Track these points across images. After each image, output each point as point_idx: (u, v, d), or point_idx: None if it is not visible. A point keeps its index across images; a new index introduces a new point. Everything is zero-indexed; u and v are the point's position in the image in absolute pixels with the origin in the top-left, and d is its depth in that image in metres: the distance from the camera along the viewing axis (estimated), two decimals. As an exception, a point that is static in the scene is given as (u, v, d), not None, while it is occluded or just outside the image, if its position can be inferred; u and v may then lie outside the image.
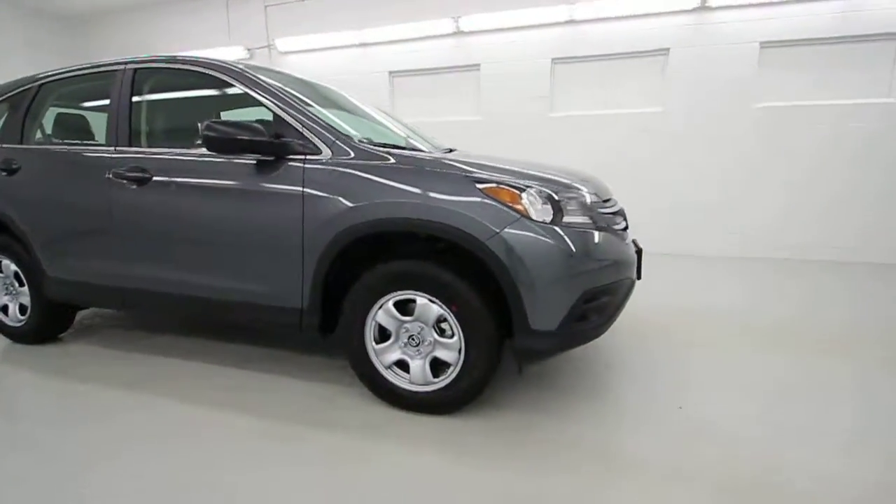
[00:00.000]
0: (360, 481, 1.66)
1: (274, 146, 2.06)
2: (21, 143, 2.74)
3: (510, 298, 1.81)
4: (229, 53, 6.53)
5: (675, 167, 5.26)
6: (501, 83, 5.62)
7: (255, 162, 2.13)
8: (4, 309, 2.94)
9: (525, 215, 1.81)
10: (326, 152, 2.05)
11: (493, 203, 1.81)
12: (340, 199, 1.96)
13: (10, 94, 2.86)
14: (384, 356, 2.07)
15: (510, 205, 1.82)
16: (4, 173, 2.70)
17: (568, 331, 1.85)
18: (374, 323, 2.05)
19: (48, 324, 2.88)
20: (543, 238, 1.80)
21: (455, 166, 1.93)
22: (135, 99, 2.47)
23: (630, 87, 5.29)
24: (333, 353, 2.71)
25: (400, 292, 1.98)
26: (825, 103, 4.76)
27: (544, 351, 1.89)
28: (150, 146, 2.44)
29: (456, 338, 1.94)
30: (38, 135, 2.78)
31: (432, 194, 1.85)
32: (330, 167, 2.01)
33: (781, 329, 3.09)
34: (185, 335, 3.03)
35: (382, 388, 2.10)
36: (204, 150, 2.24)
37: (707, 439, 1.87)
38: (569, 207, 1.90)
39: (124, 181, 2.35)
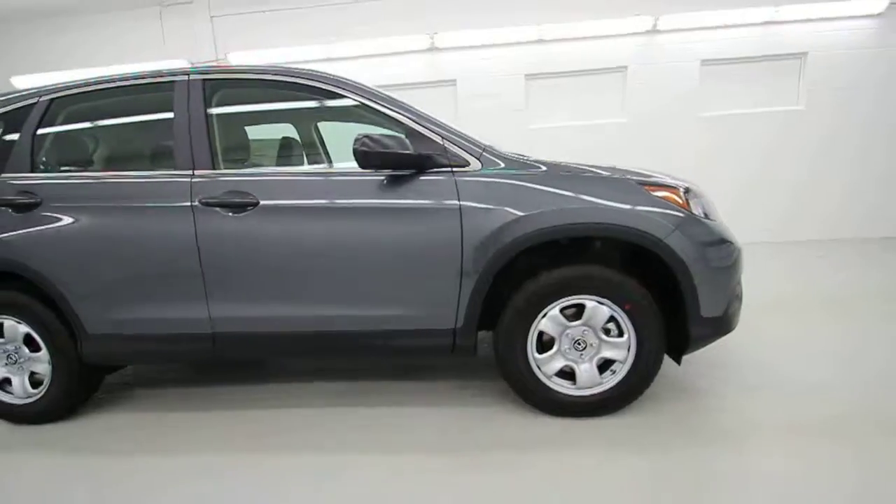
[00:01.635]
0: (602, 496, 1.64)
1: (423, 160, 1.94)
2: (32, 170, 2.20)
3: (686, 290, 1.91)
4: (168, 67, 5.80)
5: (637, 171, 5.85)
6: (477, 98, 5.79)
7: (382, 178, 1.99)
8: (1, 384, 2.31)
9: (689, 212, 1.95)
10: (475, 164, 1.99)
11: (664, 203, 1.92)
12: (508, 209, 1.91)
13: (3, 111, 2.28)
14: (547, 366, 2.04)
15: (676, 203, 1.94)
16: (11, 210, 2.14)
17: (728, 316, 2.01)
18: (535, 333, 2.02)
19: (75, 395, 2.31)
20: (708, 231, 1.95)
21: (612, 172, 2.01)
22: (211, 114, 2.13)
23: (596, 100, 5.80)
24: (444, 375, 2.57)
25: (567, 298, 1.98)
26: (751, 111, 5.70)
27: (711, 337, 2.02)
28: (242, 167, 2.13)
29: (626, 336, 1.99)
30: (61, 161, 2.26)
31: (608, 199, 1.90)
32: (489, 178, 1.96)
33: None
34: (238, 383, 2.63)
35: (547, 399, 2.06)
36: (318, 168, 2.05)
37: (833, 398, 2.13)
38: (704, 204, 2.08)
39: (217, 208, 2.02)
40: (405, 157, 1.90)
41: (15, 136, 2.25)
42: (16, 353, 2.27)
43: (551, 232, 1.90)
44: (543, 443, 1.93)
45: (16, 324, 2.23)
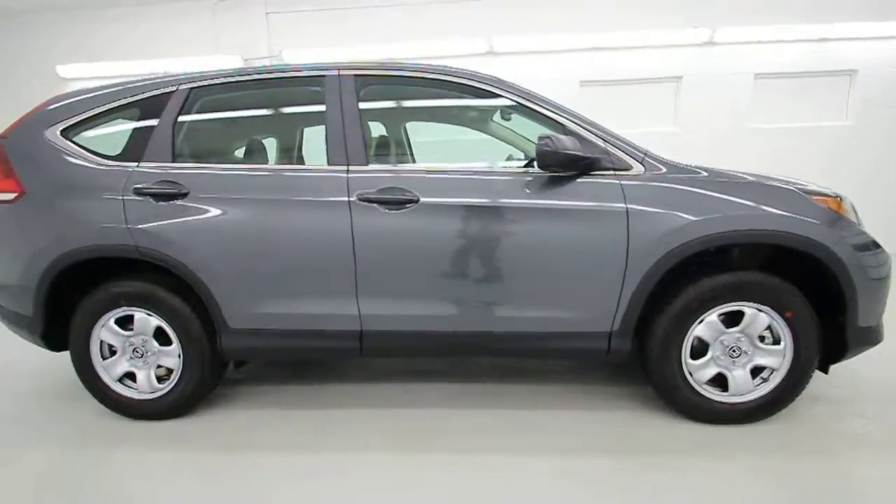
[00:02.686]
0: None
1: (594, 162, 1.95)
2: (174, 160, 2.15)
3: (848, 299, 1.92)
4: (219, 63, 5.75)
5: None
6: (531, 103, 5.80)
7: (544, 178, 1.99)
8: (122, 379, 2.24)
9: (848, 220, 1.96)
10: (638, 168, 2.00)
11: (829, 211, 1.93)
12: (678, 214, 1.91)
13: (138, 98, 2.22)
14: (700, 372, 2.04)
15: (838, 212, 1.95)
16: (152, 199, 2.09)
17: (880, 326, 2.03)
18: (691, 339, 2.01)
19: (203, 390, 2.26)
20: (867, 240, 1.96)
21: (771, 180, 2.02)
22: (363, 110, 2.11)
23: (649, 109, 5.85)
24: (563, 379, 2.56)
25: (727, 304, 1.98)
26: (800, 125, 5.78)
27: (864, 346, 2.02)
28: (395, 163, 2.11)
29: (783, 345, 1.99)
30: (202, 151, 2.21)
31: (779, 207, 1.91)
32: (657, 183, 1.96)
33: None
34: (359, 382, 2.60)
35: (696, 406, 2.05)
36: (479, 166, 2.07)
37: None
38: (855, 212, 2.10)
39: (375, 204, 1.99)
40: (581, 159, 1.90)
41: (150, 124, 2.20)
42: (143, 346, 2.22)
43: (725, 237, 1.90)
44: (692, 447, 1.94)
45: (147, 316, 2.17)
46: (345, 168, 2.05)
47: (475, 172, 2.07)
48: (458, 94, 2.23)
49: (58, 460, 2.02)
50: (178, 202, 2.07)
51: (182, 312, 2.14)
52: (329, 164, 2.07)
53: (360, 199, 2.00)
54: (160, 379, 2.25)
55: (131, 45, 6.00)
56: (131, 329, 2.20)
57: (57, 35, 6.06)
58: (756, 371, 2.05)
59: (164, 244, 2.06)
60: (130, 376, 2.25)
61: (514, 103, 2.09)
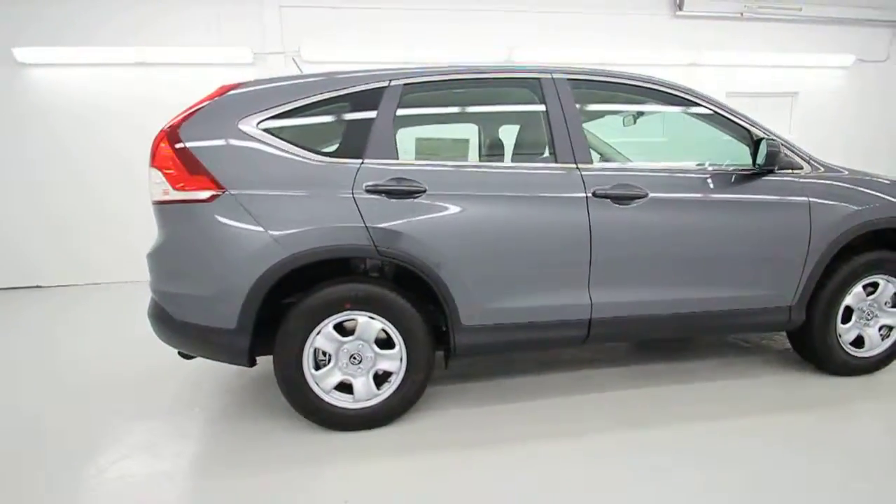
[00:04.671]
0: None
1: (784, 162, 2.30)
2: (397, 157, 2.11)
3: None
4: (226, 55, 5.33)
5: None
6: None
7: (732, 175, 2.34)
8: (332, 390, 2.12)
9: None
10: (807, 167, 2.41)
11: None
12: (846, 205, 2.35)
13: (347, 92, 2.13)
14: (847, 335, 2.50)
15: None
16: (386, 196, 2.04)
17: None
18: (843, 307, 2.46)
19: (421, 392, 2.21)
20: None
21: (882, 177, 2.55)
22: (581, 111, 2.26)
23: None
24: (694, 356, 2.90)
25: (869, 277, 2.45)
26: (755, 137, 6.91)
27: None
28: (612, 161, 2.28)
29: (904, 308, 2.53)
30: (418, 148, 2.17)
31: None
32: (826, 180, 2.38)
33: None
34: (538, 371, 2.71)
35: (847, 363, 2.50)
36: (693, 165, 2.35)
37: None
38: None
39: (608, 200, 2.15)
40: (785, 160, 2.25)
41: (365, 119, 2.13)
42: (359, 353, 2.12)
43: (879, 222, 2.38)
44: (849, 398, 2.36)
45: (370, 320, 2.09)
46: (574, 166, 2.18)
47: (687, 171, 2.33)
48: (656, 102, 2.47)
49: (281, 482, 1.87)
50: (416, 199, 2.04)
51: (408, 313, 2.10)
52: (557, 161, 2.19)
53: (595, 195, 2.15)
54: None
55: (117, 29, 5.28)
56: (351, 335, 2.09)
57: (17, 12, 5.11)
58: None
59: (405, 243, 2.02)
60: (341, 386, 2.13)
61: (709, 112, 2.40)
